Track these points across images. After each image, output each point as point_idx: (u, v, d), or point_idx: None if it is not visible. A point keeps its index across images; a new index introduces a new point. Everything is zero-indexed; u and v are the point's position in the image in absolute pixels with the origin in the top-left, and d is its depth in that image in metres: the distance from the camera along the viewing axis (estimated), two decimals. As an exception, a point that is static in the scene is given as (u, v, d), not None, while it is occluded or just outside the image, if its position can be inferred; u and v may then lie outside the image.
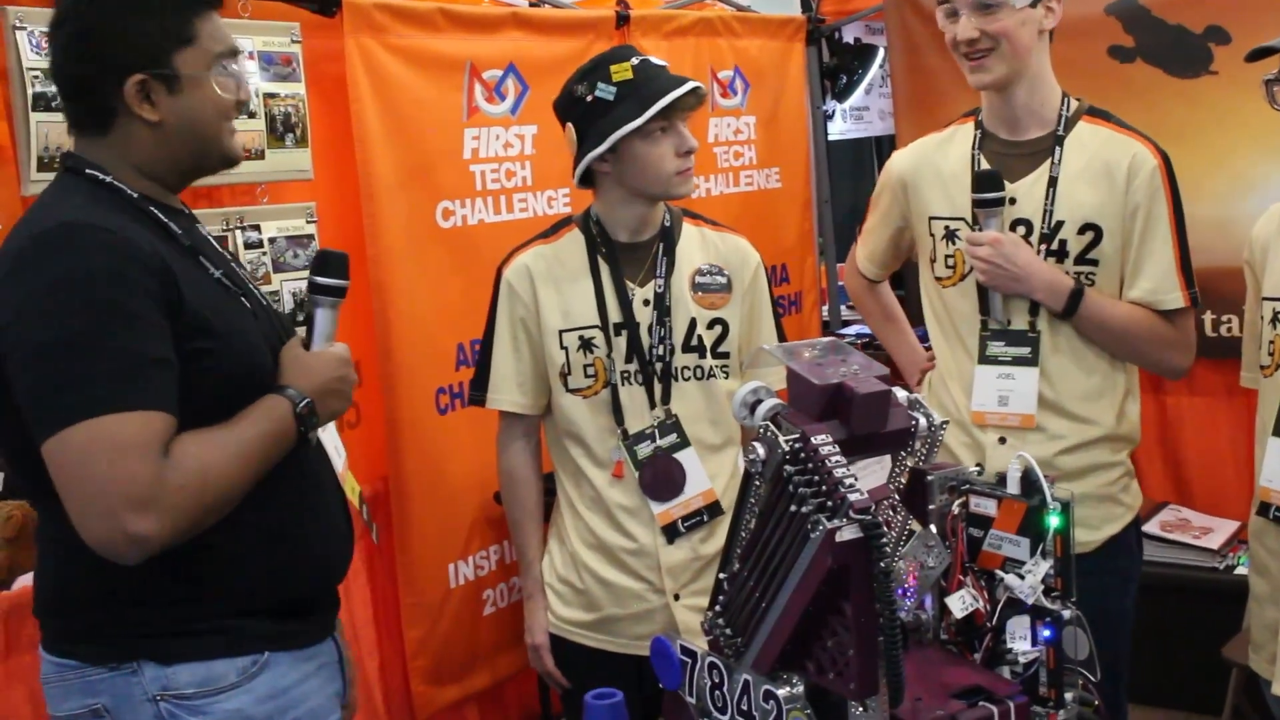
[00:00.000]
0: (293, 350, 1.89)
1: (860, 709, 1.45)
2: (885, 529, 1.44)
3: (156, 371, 1.68)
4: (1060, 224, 2.50)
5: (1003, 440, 2.53)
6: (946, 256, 2.60)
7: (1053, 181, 2.51)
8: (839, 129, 5.82)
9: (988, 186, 2.51)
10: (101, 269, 1.67)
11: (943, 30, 2.53)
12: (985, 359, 2.54)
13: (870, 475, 1.54)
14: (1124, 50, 4.08)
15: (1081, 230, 2.50)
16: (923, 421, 1.57)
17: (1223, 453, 4.21)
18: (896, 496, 1.61)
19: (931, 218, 2.63)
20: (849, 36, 5.25)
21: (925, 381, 2.77)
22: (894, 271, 2.97)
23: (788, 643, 1.51)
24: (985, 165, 2.56)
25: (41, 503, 1.83)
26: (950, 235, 2.59)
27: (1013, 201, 2.52)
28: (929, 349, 2.83)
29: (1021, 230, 2.52)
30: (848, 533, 1.40)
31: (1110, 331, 2.52)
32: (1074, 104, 2.57)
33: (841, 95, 5.25)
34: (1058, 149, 2.53)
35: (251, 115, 2.86)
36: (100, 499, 1.63)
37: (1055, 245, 2.51)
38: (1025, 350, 2.52)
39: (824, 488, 1.43)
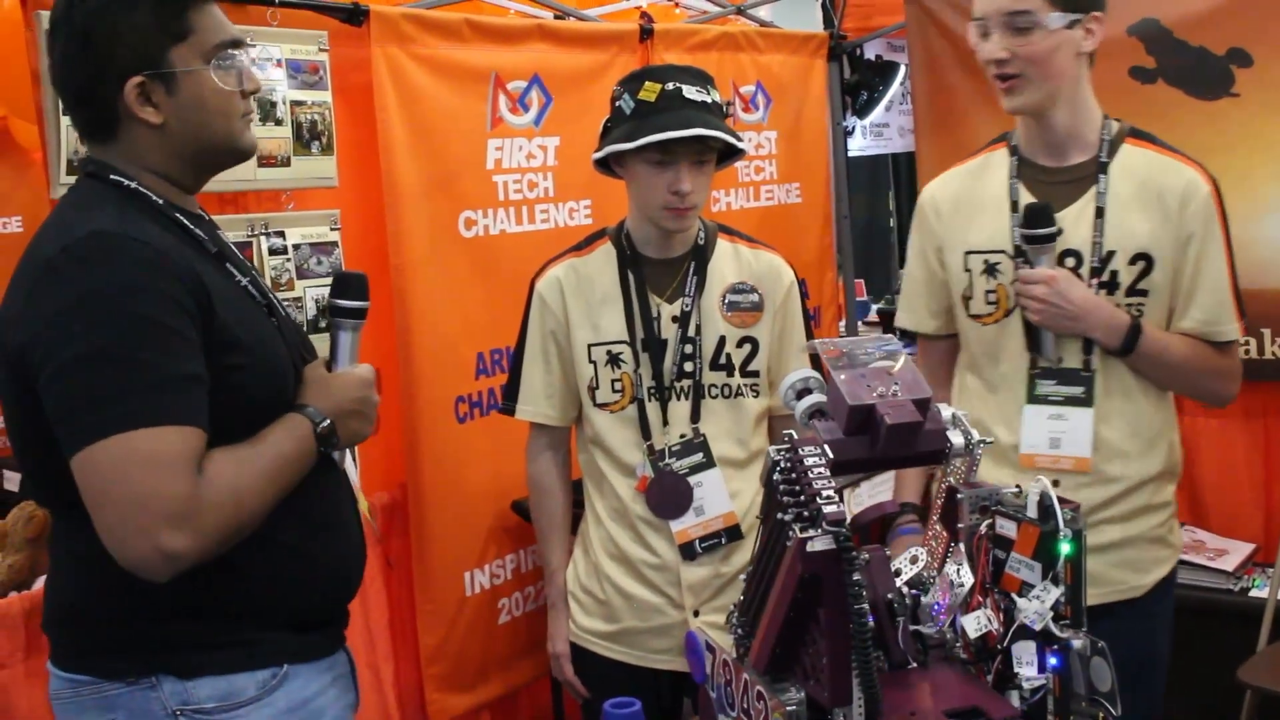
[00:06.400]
0: (316, 370, 1.87)
1: (843, 718, 1.47)
2: (857, 545, 1.46)
3: (190, 387, 1.65)
4: (1111, 254, 2.36)
5: (1055, 484, 2.41)
6: (987, 292, 2.45)
7: (1100, 210, 2.37)
8: (859, 145, 5.83)
9: (1040, 221, 2.35)
10: (134, 282, 1.63)
11: (974, 48, 2.38)
12: (1034, 398, 2.40)
13: (886, 490, 1.55)
14: (1145, 71, 4.08)
15: (1133, 261, 2.36)
16: (960, 440, 1.58)
17: (1238, 474, 4.21)
18: (936, 516, 1.62)
19: (968, 252, 2.47)
20: (870, 53, 5.25)
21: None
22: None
23: (782, 646, 1.54)
24: (1027, 196, 2.41)
25: (62, 516, 1.80)
26: (990, 269, 2.44)
27: (1059, 232, 2.38)
28: None
29: (1070, 263, 2.38)
30: (820, 543, 1.42)
31: (1167, 366, 2.39)
32: (1115, 126, 2.44)
33: (862, 111, 5.25)
34: (1102, 176, 2.39)
35: (278, 122, 2.88)
36: (137, 515, 1.59)
37: (1106, 277, 2.37)
38: (1079, 390, 2.38)
39: (802, 498, 1.45)
